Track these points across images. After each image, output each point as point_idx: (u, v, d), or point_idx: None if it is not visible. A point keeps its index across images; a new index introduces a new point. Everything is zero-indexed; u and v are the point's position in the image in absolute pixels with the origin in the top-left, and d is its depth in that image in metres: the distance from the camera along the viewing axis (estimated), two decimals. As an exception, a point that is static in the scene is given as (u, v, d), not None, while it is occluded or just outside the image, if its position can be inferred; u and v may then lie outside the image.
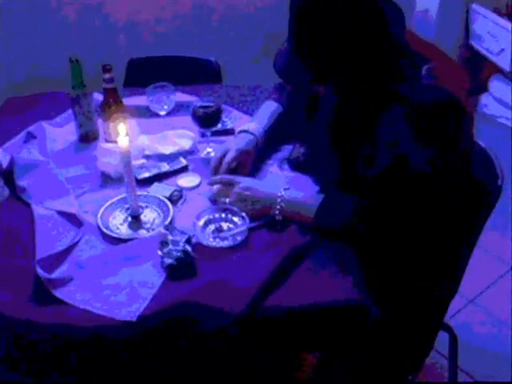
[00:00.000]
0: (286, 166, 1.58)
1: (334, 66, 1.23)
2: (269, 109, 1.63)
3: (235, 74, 2.31)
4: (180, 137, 1.66)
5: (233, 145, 1.50)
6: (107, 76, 1.56)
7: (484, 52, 3.16)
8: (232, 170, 1.48)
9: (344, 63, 1.22)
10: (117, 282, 1.22)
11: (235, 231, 1.33)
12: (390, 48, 1.23)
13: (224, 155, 1.49)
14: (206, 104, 1.60)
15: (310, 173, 1.52)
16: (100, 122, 1.67)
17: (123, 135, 1.29)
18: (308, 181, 1.51)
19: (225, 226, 1.35)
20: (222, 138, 1.66)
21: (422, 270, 1.37)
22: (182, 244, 1.26)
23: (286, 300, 1.19)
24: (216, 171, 1.48)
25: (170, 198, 1.44)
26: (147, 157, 1.61)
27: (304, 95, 1.48)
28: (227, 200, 1.39)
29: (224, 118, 1.69)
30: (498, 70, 3.18)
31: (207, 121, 1.60)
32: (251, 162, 1.52)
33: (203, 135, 1.68)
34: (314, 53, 1.24)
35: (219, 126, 1.66)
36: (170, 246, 1.25)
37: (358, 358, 1.35)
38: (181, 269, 1.23)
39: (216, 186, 1.44)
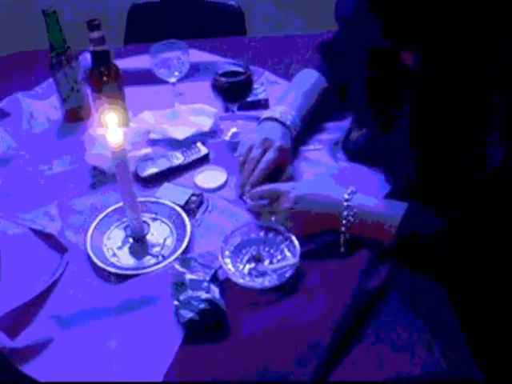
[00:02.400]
0: (339, 154, 1.18)
1: (430, 25, 0.80)
2: (306, 83, 1.22)
3: (262, 23, 1.86)
4: (197, 113, 1.25)
5: (273, 140, 1.09)
6: (95, 35, 1.13)
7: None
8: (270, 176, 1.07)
9: (448, 20, 0.79)
10: (113, 346, 0.84)
11: (281, 264, 0.93)
12: None
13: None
14: (232, 69, 1.18)
15: (373, 164, 1.12)
16: (91, 94, 1.25)
17: (114, 128, 0.88)
18: (371, 175, 1.10)
19: (264, 253, 0.96)
20: (254, 112, 1.26)
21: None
22: (205, 286, 0.87)
23: (356, 373, 0.81)
24: (251, 174, 1.07)
25: (185, 207, 1.05)
26: (153, 142, 1.21)
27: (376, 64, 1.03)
28: (273, 218, 0.98)
29: (254, 84, 1.27)
30: None
31: (234, 93, 1.18)
32: (290, 161, 1.11)
33: (227, 109, 1.27)
34: (401, 4, 0.80)
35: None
36: (189, 292, 0.86)
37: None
38: (205, 325, 0.85)
39: (258, 202, 1.03)
